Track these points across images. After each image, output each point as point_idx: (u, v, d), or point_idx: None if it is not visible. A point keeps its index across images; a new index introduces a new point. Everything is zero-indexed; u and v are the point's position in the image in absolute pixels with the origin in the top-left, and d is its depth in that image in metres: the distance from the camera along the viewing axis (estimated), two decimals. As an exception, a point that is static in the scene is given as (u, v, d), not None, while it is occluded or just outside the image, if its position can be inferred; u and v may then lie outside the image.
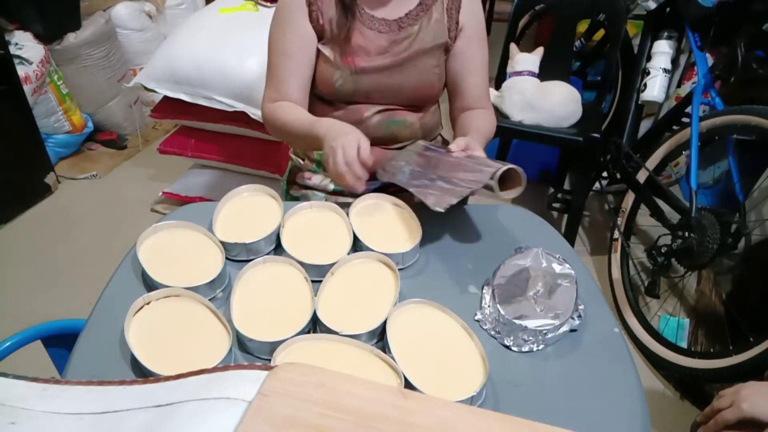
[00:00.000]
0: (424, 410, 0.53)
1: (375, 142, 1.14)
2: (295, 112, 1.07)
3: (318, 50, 1.08)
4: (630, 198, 1.93)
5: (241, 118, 1.92)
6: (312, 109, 1.14)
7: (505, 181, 0.88)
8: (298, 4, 1.05)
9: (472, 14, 1.11)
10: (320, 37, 1.07)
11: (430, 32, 1.08)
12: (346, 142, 0.91)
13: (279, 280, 0.84)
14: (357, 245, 0.92)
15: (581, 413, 0.71)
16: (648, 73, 1.92)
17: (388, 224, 0.97)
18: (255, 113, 1.86)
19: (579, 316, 0.82)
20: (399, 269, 0.89)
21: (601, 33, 2.23)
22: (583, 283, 0.86)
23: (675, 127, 1.89)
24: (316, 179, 1.22)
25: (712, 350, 1.69)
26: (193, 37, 1.96)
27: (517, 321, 0.78)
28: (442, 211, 0.85)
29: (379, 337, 0.78)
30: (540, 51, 1.88)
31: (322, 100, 1.14)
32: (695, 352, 1.61)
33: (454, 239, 0.98)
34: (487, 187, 0.87)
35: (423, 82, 1.11)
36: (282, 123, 1.08)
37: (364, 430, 0.50)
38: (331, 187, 1.21)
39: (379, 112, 1.12)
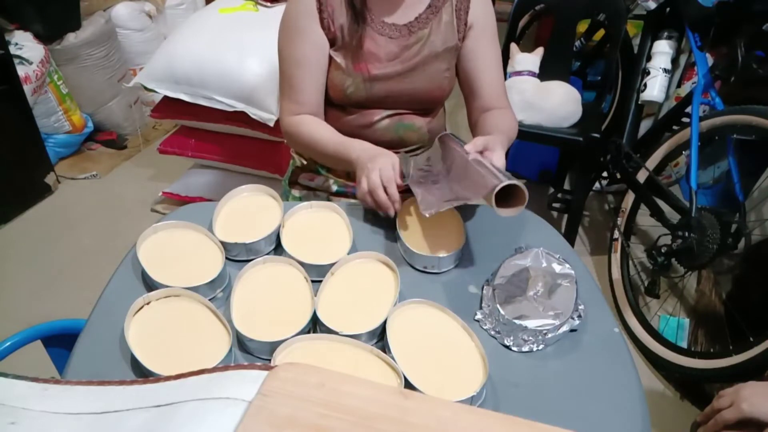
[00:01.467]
0: (424, 410, 0.53)
1: (382, 146, 1.14)
2: (321, 130, 1.07)
3: (329, 57, 1.07)
4: (630, 198, 1.93)
5: (241, 118, 1.92)
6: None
7: (507, 196, 0.81)
8: (308, 11, 1.03)
9: (482, 11, 1.09)
10: (332, 44, 1.06)
11: (440, 35, 1.07)
12: (383, 163, 0.92)
13: (279, 280, 0.84)
14: (402, 246, 0.93)
15: (581, 413, 0.71)
16: (648, 73, 1.92)
17: (432, 227, 0.96)
18: (255, 113, 1.86)
19: (579, 316, 0.82)
20: (434, 273, 0.90)
21: (601, 33, 2.23)
22: (583, 283, 0.86)
23: (675, 127, 1.89)
24: (319, 180, 1.21)
25: (712, 350, 1.69)
26: (193, 37, 1.96)
27: (517, 321, 0.78)
28: (427, 216, 0.82)
29: (379, 337, 0.78)
30: (540, 51, 1.88)
31: (331, 104, 1.13)
32: (695, 352, 1.61)
33: (454, 239, 0.98)
34: (486, 199, 0.82)
35: (433, 86, 1.10)
36: (307, 140, 1.07)
37: (364, 430, 0.50)
38: (334, 188, 1.20)
39: (389, 116, 1.12)
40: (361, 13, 1.04)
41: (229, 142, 2.09)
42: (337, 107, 1.13)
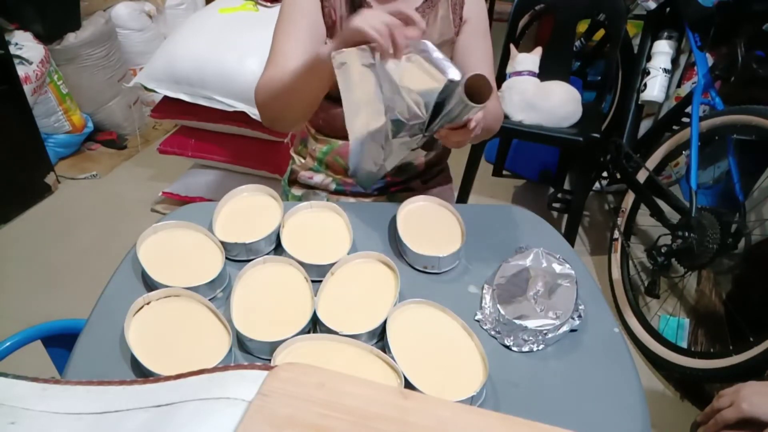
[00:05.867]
0: (424, 410, 0.53)
1: None
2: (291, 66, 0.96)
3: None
4: (630, 198, 1.93)
5: (241, 118, 1.92)
6: None
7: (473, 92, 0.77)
8: None
9: (476, 7, 1.10)
10: (330, 34, 1.06)
11: (436, 29, 1.07)
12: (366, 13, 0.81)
13: (279, 280, 0.84)
14: (402, 246, 0.92)
15: (581, 413, 0.71)
16: (648, 73, 1.92)
17: (432, 227, 0.96)
18: (255, 113, 1.86)
19: (579, 316, 0.82)
20: (434, 273, 0.90)
21: (601, 33, 2.23)
22: (583, 283, 0.86)
23: (675, 127, 1.89)
24: (318, 178, 1.22)
25: (712, 350, 1.69)
26: (193, 37, 1.96)
27: (517, 321, 0.78)
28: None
29: (379, 337, 0.78)
30: (539, 51, 1.88)
31: (325, 96, 1.12)
32: (695, 352, 1.61)
33: (454, 239, 0.98)
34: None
35: None
36: (276, 82, 0.96)
37: (363, 430, 0.50)
38: (333, 186, 1.21)
39: None
40: (360, 5, 1.04)
41: (229, 142, 2.09)
42: (331, 100, 1.12)
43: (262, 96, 1.02)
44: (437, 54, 0.80)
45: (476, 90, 0.76)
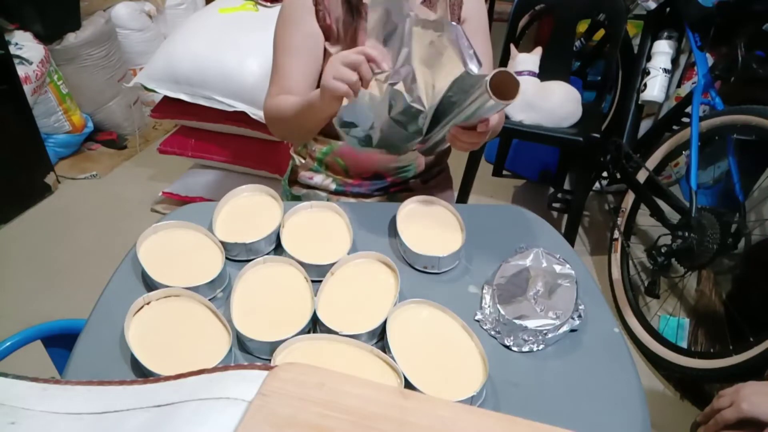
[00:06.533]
0: (424, 410, 0.53)
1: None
2: (294, 98, 1.02)
3: (325, 50, 1.07)
4: (630, 198, 1.93)
5: (241, 118, 1.92)
6: None
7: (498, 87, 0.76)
8: (304, 3, 1.04)
9: (475, 8, 1.10)
10: (327, 37, 1.06)
11: None
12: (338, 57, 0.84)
13: (279, 280, 0.84)
14: (402, 246, 0.92)
15: (581, 413, 0.71)
16: (648, 73, 1.92)
17: (432, 227, 0.96)
18: (255, 113, 1.87)
19: (579, 316, 0.82)
20: (434, 273, 0.90)
21: (601, 33, 2.23)
22: (583, 283, 0.86)
23: (675, 127, 1.89)
24: (318, 178, 1.22)
25: (712, 350, 1.69)
26: (193, 37, 1.96)
27: (517, 321, 0.78)
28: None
29: (379, 337, 0.78)
30: (539, 51, 1.88)
31: None
32: (695, 352, 1.61)
33: (454, 239, 0.98)
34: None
35: None
36: (283, 110, 1.02)
37: (363, 430, 0.50)
38: (333, 186, 1.21)
39: None
40: (356, 6, 1.04)
41: (229, 142, 2.09)
42: None
43: (270, 119, 1.08)
44: (465, 42, 0.79)
45: (500, 88, 0.75)
